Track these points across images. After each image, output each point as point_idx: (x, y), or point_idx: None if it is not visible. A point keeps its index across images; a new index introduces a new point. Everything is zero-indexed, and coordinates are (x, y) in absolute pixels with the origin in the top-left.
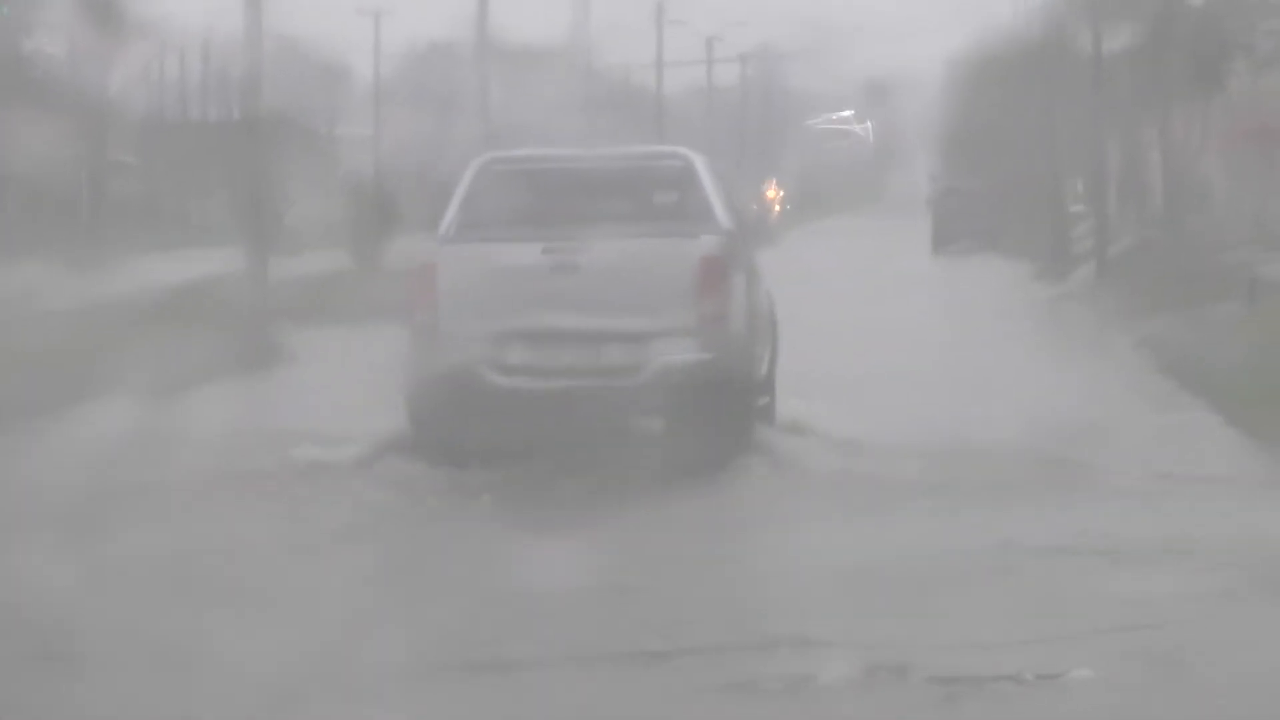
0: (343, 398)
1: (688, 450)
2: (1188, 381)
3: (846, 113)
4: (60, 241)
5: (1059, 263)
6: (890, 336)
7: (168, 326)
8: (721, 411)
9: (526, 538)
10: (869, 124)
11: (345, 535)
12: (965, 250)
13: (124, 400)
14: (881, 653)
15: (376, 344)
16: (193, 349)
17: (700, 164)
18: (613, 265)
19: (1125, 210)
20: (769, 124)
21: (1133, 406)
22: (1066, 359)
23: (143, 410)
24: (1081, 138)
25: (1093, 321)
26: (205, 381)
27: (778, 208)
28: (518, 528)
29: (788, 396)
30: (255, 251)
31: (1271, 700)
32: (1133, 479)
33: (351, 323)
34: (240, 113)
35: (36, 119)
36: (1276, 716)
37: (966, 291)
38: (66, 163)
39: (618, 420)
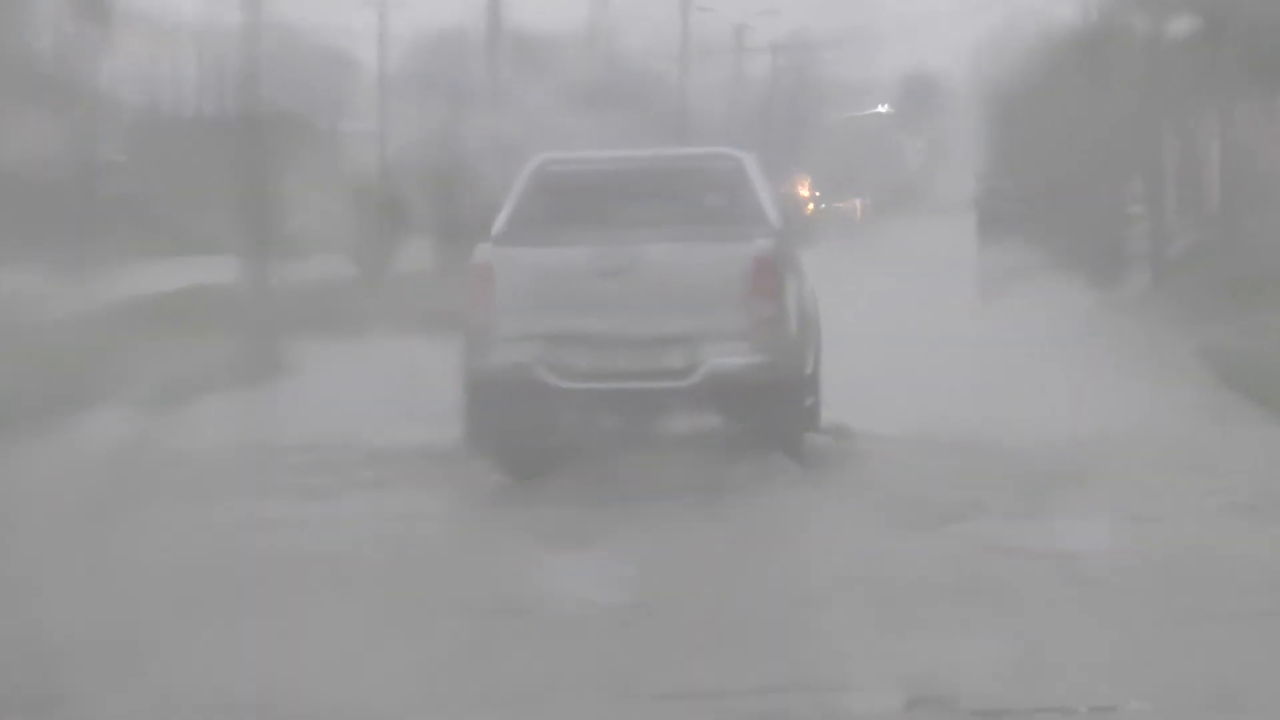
0: (351, 412)
1: (736, 454)
2: (1252, 392)
3: (884, 106)
4: (45, 246)
5: (1112, 266)
6: (934, 341)
7: (161, 339)
8: (772, 414)
9: (568, 551)
10: (896, 114)
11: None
12: (1012, 253)
13: (115, 416)
14: (922, 683)
15: (384, 356)
16: (188, 362)
17: (750, 164)
18: (666, 267)
19: (1183, 210)
20: (801, 117)
21: (1192, 419)
22: (1119, 368)
23: (138, 426)
24: (1137, 133)
25: (1147, 328)
26: (202, 396)
27: (810, 206)
28: (562, 539)
29: (832, 398)
30: (255, 258)
31: None
32: (1193, 495)
33: (357, 334)
34: (238, 108)
35: (20, 115)
36: None
37: (1012, 296)
38: (52, 162)
39: (670, 422)
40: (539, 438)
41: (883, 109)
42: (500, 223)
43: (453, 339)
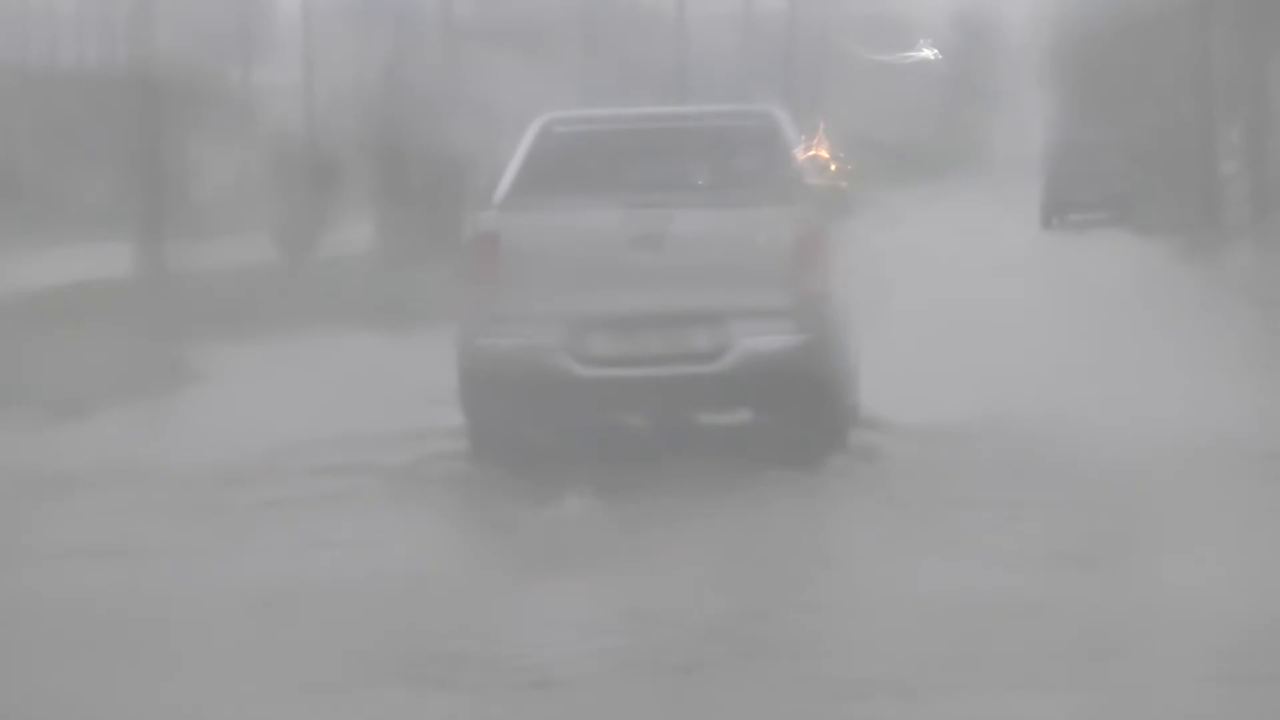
0: (272, 427)
1: (769, 447)
2: None
3: (927, 50)
4: None
5: (1208, 236)
6: (991, 336)
7: (39, 343)
8: (814, 402)
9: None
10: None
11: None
12: (1088, 223)
13: None
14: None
15: (313, 358)
16: (72, 371)
17: (786, 123)
18: (698, 236)
19: None
20: (824, 61)
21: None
22: (1215, 368)
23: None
24: (1237, 73)
25: (1250, 315)
26: (91, 411)
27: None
28: (583, 548)
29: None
30: (152, 240)
31: None
32: None
33: (279, 331)
34: (127, 58)
35: None
36: None
37: (1087, 277)
38: None
39: (701, 410)
40: (554, 433)
41: (929, 53)
42: (504, 189)
43: (399, 335)
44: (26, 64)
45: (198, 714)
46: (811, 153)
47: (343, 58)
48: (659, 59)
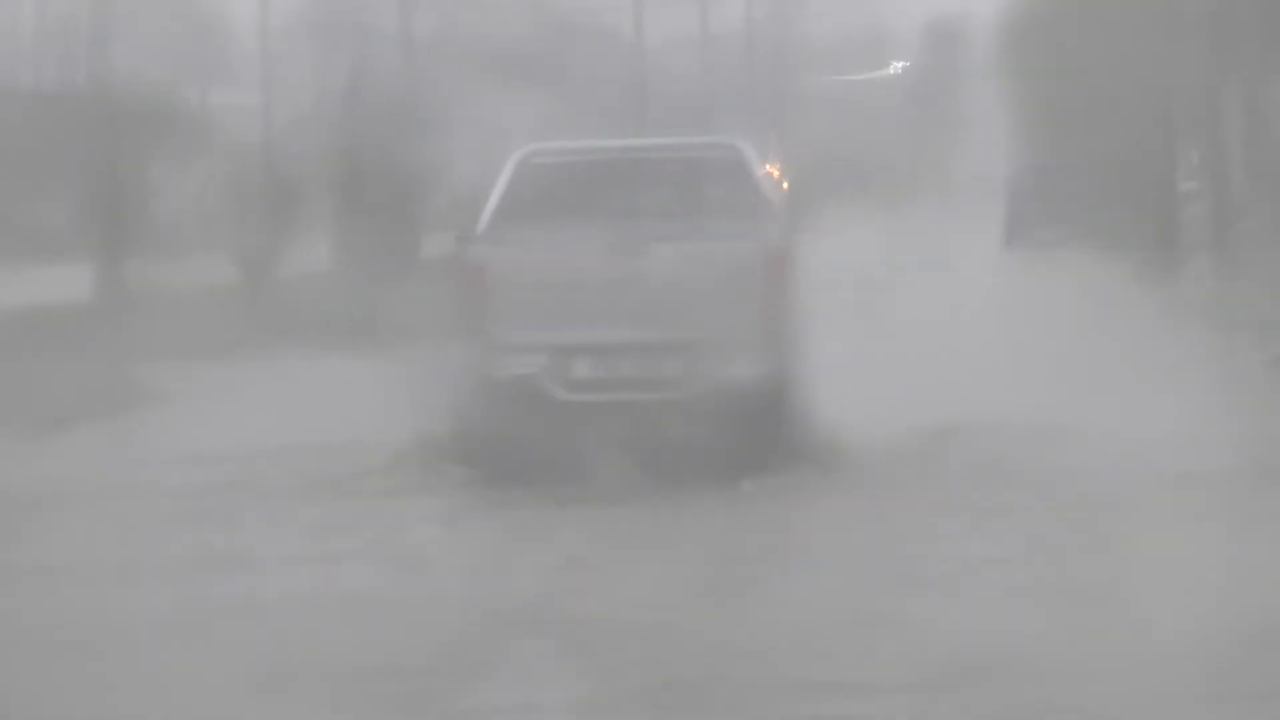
0: (229, 445)
1: (732, 460)
2: None
3: (894, 68)
4: None
5: (1167, 256)
6: (946, 353)
7: None
8: (775, 423)
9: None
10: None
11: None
12: (1048, 242)
13: None
14: None
15: (269, 377)
16: (28, 392)
17: (751, 155)
18: (672, 270)
19: (1254, 186)
20: (785, 82)
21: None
22: (1175, 387)
23: None
24: (1195, 93)
25: (1210, 333)
26: (44, 433)
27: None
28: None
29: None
30: (110, 260)
31: None
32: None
33: (238, 351)
34: (86, 78)
35: None
36: None
37: (1046, 296)
38: None
39: (673, 430)
40: (535, 449)
41: (895, 68)
42: (488, 220)
43: (357, 354)
44: None
45: None
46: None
47: (302, 78)
48: (618, 80)
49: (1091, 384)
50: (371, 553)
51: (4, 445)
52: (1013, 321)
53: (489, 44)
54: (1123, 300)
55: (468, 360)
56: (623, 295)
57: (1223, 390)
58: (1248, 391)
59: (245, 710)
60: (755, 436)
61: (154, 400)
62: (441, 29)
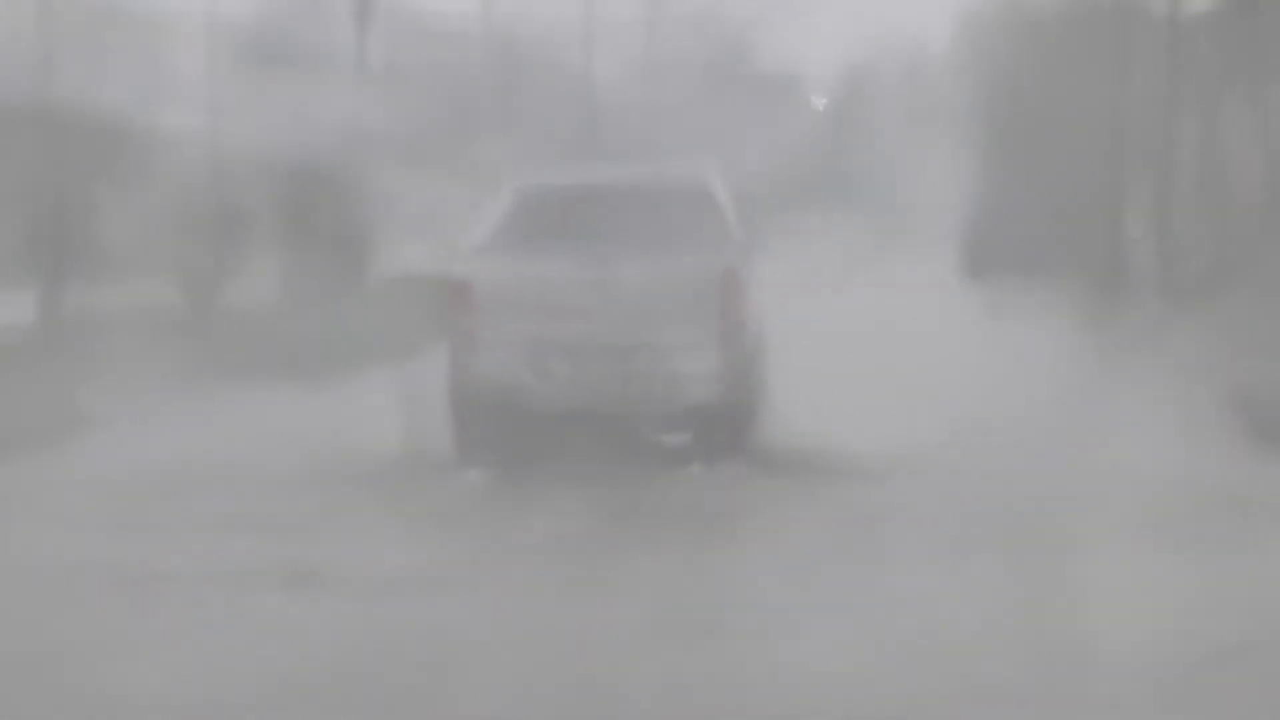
0: (167, 472)
1: (691, 459)
2: None
3: (820, 101)
4: None
5: (1118, 293)
6: (903, 396)
7: None
8: (729, 417)
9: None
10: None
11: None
12: (1002, 282)
13: None
14: None
15: (210, 403)
16: None
17: (715, 181)
18: (639, 282)
19: (1208, 223)
20: (725, 112)
21: (1226, 502)
22: (1124, 429)
23: None
24: (1146, 133)
25: (1162, 372)
26: None
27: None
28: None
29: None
30: (54, 287)
31: None
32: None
33: (179, 377)
34: (26, 99)
35: None
36: None
37: (995, 334)
38: None
39: (640, 423)
40: (520, 441)
41: (818, 104)
42: (480, 241)
43: (299, 381)
44: None
45: None
46: None
47: (249, 102)
48: (567, 106)
49: (1028, 422)
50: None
51: None
52: (962, 351)
53: (439, 69)
54: (1071, 337)
55: (458, 362)
56: (595, 305)
57: (1167, 426)
58: (1193, 427)
59: None
60: (708, 432)
61: (89, 428)
62: (393, 54)
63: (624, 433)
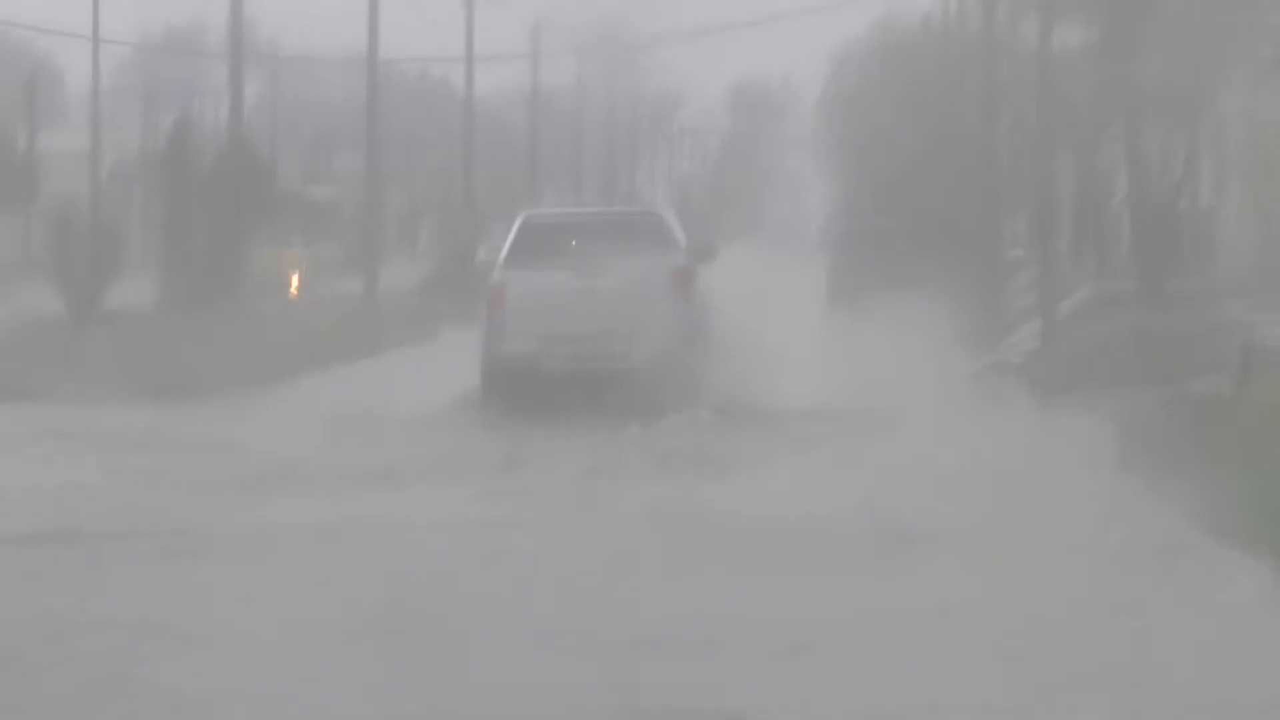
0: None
1: (651, 404)
2: (1155, 485)
3: (703, 127)
4: None
5: (992, 323)
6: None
7: None
8: (684, 381)
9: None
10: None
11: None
12: (870, 307)
13: None
14: None
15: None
16: None
17: (669, 216)
18: (617, 283)
19: (1083, 255)
20: (614, 135)
21: (1085, 535)
22: (993, 460)
23: None
24: (1025, 161)
25: (1032, 403)
26: None
27: None
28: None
29: None
30: None
31: None
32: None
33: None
34: None
35: None
36: None
37: (863, 363)
38: None
39: (619, 386)
40: (535, 395)
41: (707, 131)
42: (504, 258)
43: (176, 393)
44: None
45: None
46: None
47: (131, 125)
48: (449, 129)
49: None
50: None
51: None
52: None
53: (320, 91)
54: (942, 365)
55: (491, 345)
56: (585, 302)
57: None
58: (1057, 457)
59: None
60: (666, 391)
61: None
62: (276, 77)
63: (609, 392)
